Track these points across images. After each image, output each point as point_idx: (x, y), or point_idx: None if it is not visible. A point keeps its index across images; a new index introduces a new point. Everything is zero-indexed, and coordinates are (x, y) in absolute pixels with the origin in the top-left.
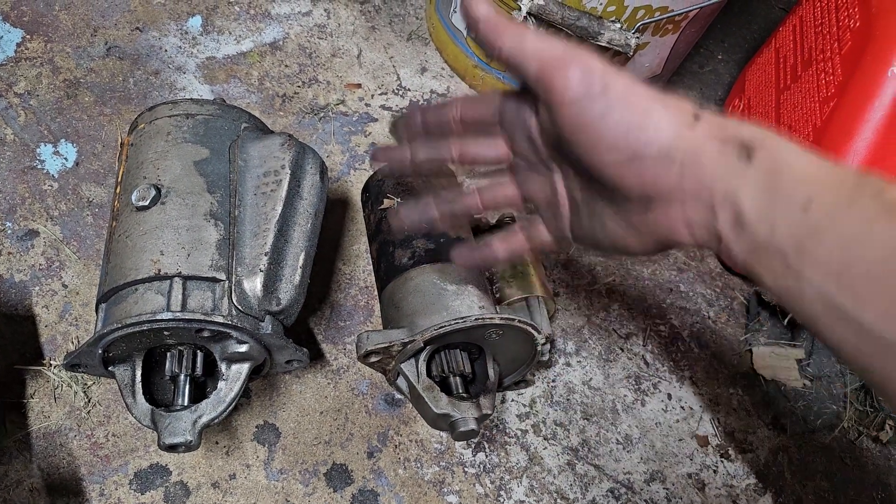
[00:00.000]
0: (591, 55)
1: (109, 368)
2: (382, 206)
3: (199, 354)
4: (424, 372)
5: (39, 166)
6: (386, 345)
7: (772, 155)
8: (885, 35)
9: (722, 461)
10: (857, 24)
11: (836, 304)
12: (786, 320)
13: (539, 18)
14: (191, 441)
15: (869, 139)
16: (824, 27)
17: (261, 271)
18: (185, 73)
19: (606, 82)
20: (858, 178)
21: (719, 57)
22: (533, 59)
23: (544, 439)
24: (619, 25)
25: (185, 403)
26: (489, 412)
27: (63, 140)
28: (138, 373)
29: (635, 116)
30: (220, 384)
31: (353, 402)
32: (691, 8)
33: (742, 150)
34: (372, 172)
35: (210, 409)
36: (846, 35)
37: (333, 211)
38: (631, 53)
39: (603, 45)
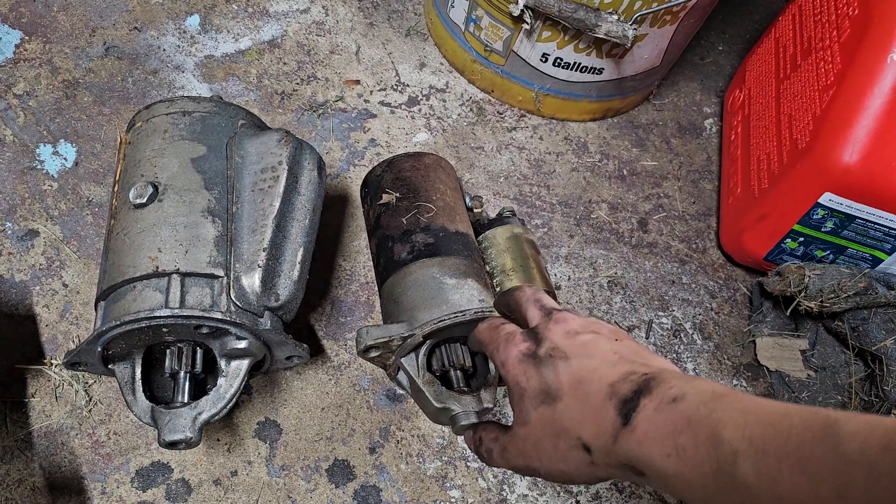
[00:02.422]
0: (502, 454)
1: (109, 366)
2: (381, 202)
3: (199, 351)
4: (425, 366)
5: (39, 166)
6: (386, 339)
7: (651, 468)
8: (884, 22)
9: None
10: (856, 12)
11: None
12: (789, 311)
13: (536, 11)
14: (191, 438)
15: (869, 127)
16: (823, 16)
17: (259, 267)
18: (183, 71)
19: (529, 465)
20: (712, 468)
21: (720, 48)
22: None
23: None
24: (616, 17)
25: (186, 400)
26: (490, 406)
27: (62, 140)
28: (138, 370)
29: (564, 478)
30: (220, 381)
31: (355, 398)
32: None
33: (635, 470)
34: (370, 168)
35: (210, 405)
36: (845, 23)
37: (333, 207)
38: (629, 45)
39: (600, 36)
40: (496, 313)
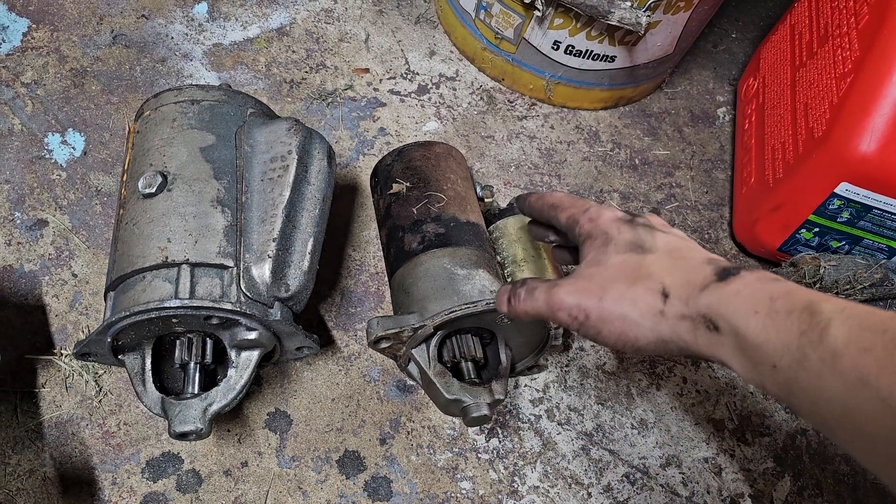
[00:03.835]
0: (565, 286)
1: (119, 357)
2: (392, 191)
3: (209, 342)
4: (436, 357)
5: (47, 156)
6: (396, 330)
7: (730, 324)
8: None
9: (739, 445)
10: None
11: (836, 440)
12: None
13: None
14: (201, 429)
15: (887, 115)
16: (841, 2)
17: (269, 257)
18: (191, 60)
19: (584, 310)
20: (801, 329)
21: (733, 35)
22: (538, 317)
23: (558, 424)
24: (629, 3)
25: (196, 391)
26: (502, 397)
27: (70, 129)
28: (148, 361)
29: (616, 326)
30: (230, 372)
31: (365, 389)
32: None
33: (709, 324)
34: (380, 157)
35: (220, 396)
36: (863, 9)
37: (343, 197)
38: (642, 32)
39: (613, 23)
40: None
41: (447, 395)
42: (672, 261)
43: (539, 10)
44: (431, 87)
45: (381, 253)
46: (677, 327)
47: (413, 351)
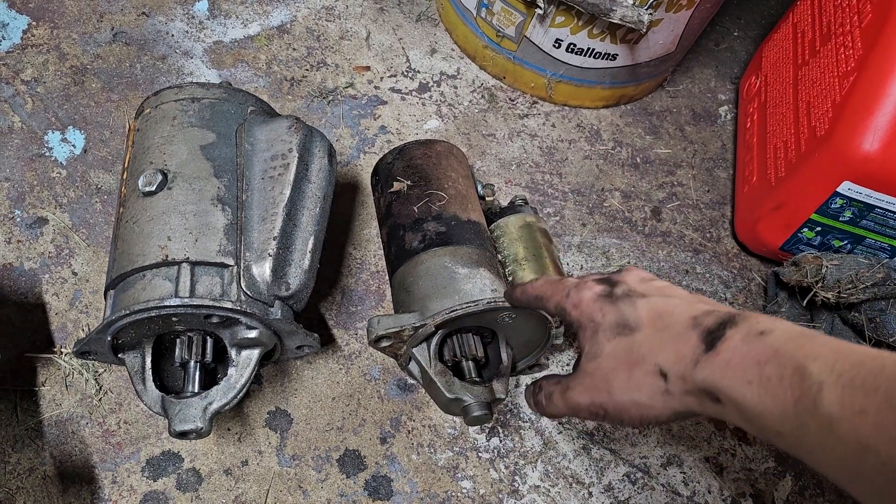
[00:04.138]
0: (576, 389)
1: (119, 355)
2: (392, 190)
3: (209, 341)
4: (436, 356)
5: (47, 154)
6: (397, 329)
7: (728, 397)
8: None
9: (740, 444)
10: None
11: (854, 496)
12: (805, 301)
13: None
14: (201, 428)
15: (890, 114)
16: (844, 0)
17: (269, 256)
18: (192, 57)
19: (601, 406)
20: (795, 397)
21: (735, 33)
22: (566, 415)
23: (559, 423)
24: (631, 1)
25: (196, 390)
26: (502, 396)
27: (71, 127)
28: (148, 360)
29: (633, 411)
30: (231, 370)
31: (366, 388)
32: None
33: (710, 397)
34: (381, 156)
35: (221, 395)
36: (866, 7)
37: (343, 195)
38: (644, 30)
39: (615, 21)
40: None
41: (448, 394)
42: (658, 334)
43: (541, 7)
44: (432, 86)
45: (381, 251)
46: (685, 401)
47: (414, 350)
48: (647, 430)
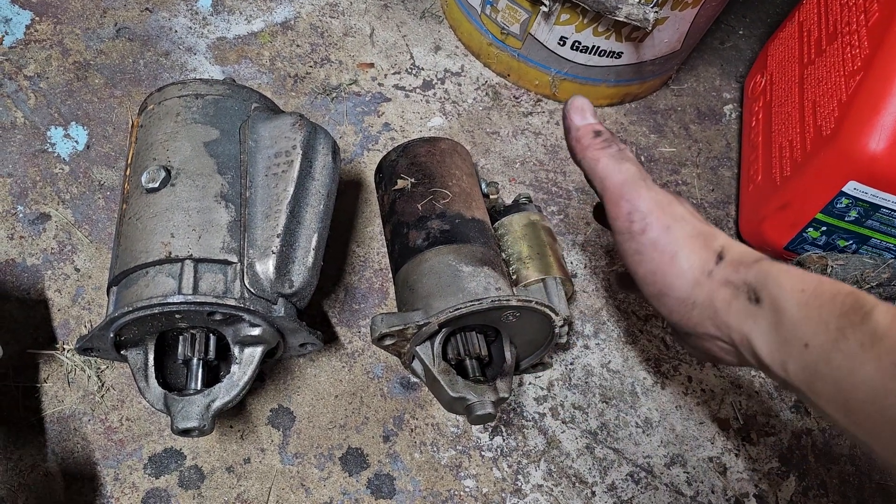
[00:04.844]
0: (648, 191)
1: (122, 352)
2: (396, 187)
3: (212, 338)
4: (440, 355)
5: (50, 149)
6: (401, 327)
7: (773, 297)
8: None
9: (744, 445)
10: None
11: (849, 432)
12: None
13: None
14: (204, 425)
15: None
16: None
17: (273, 253)
18: (195, 53)
19: (646, 224)
20: (843, 310)
21: (740, 32)
22: (599, 182)
23: (562, 423)
24: None
25: (199, 387)
26: (506, 395)
27: (74, 123)
28: (151, 357)
29: (662, 261)
30: (234, 368)
31: (369, 386)
32: None
33: (751, 294)
34: (385, 153)
35: (223, 393)
36: (873, 6)
37: (347, 192)
38: (649, 28)
39: (620, 19)
40: (512, 301)
41: (451, 393)
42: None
43: (546, 5)
44: (436, 83)
45: (385, 249)
46: (717, 293)
47: (417, 348)
48: (651, 429)
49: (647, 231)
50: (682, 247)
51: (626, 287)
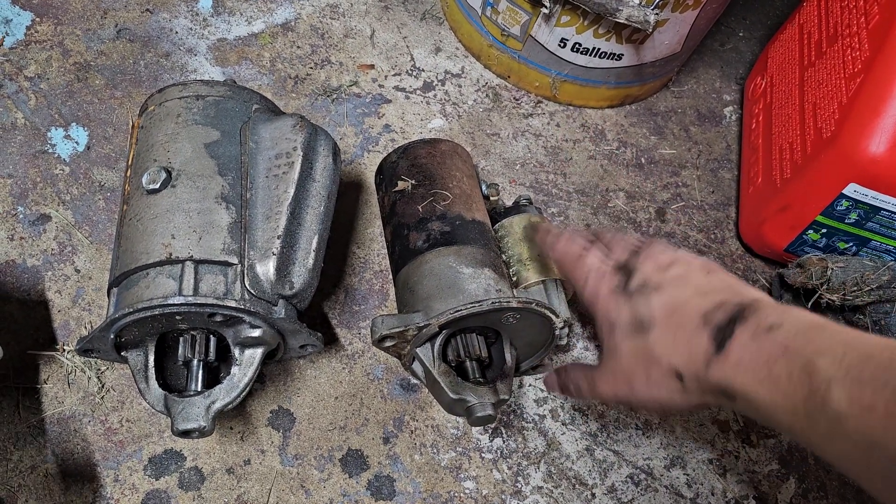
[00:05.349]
0: (629, 343)
1: (122, 353)
2: (397, 189)
3: (213, 339)
4: (440, 356)
5: (51, 150)
6: (401, 329)
7: (741, 394)
8: None
9: (744, 447)
10: None
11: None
12: (810, 303)
13: None
14: (204, 427)
15: None
16: (851, 1)
17: (273, 255)
18: (195, 55)
19: (627, 400)
20: (804, 394)
21: (741, 34)
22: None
23: (562, 424)
24: (637, 1)
25: (199, 389)
26: (506, 397)
27: (74, 124)
28: (151, 358)
29: (655, 405)
30: (234, 369)
31: (369, 387)
32: None
33: (725, 394)
34: (385, 155)
35: (223, 394)
36: (874, 9)
37: (347, 194)
38: (650, 30)
39: (621, 21)
40: (513, 303)
41: (451, 395)
42: (671, 333)
43: (546, 7)
44: (437, 84)
45: (385, 251)
46: (703, 397)
47: (417, 350)
48: (651, 431)
49: (630, 401)
50: (651, 390)
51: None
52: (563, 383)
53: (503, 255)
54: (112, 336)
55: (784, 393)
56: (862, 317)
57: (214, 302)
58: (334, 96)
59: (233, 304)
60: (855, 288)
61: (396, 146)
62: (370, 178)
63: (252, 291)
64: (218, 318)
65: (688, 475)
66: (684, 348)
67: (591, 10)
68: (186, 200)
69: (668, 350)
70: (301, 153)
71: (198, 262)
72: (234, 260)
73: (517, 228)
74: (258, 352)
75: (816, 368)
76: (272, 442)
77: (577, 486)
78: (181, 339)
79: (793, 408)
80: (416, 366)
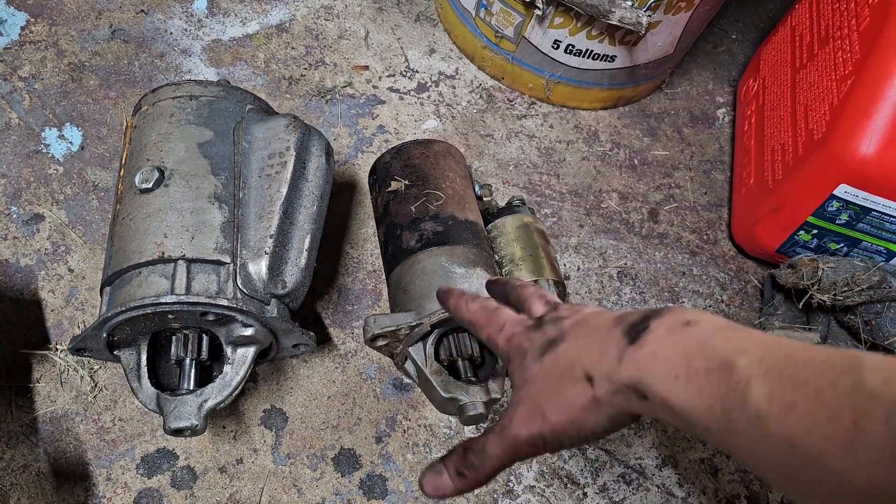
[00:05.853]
0: (535, 366)
1: (115, 352)
2: (390, 189)
3: (205, 338)
4: (432, 356)
5: (44, 150)
6: (393, 328)
7: (655, 393)
8: None
9: None
10: (876, 0)
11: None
12: (801, 304)
13: None
14: (196, 425)
15: (887, 118)
16: (842, 4)
17: (266, 254)
18: (190, 55)
19: (543, 437)
20: (721, 391)
21: (733, 36)
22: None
23: None
24: (630, 3)
25: (191, 388)
26: (498, 396)
27: (68, 124)
28: (143, 357)
29: (572, 433)
30: (226, 368)
31: (361, 387)
32: None
33: (637, 394)
34: (379, 155)
35: (216, 393)
36: (864, 11)
37: (341, 194)
38: (642, 32)
39: (614, 23)
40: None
41: (443, 394)
42: (583, 338)
43: (539, 8)
44: (431, 85)
45: (378, 251)
46: (616, 404)
47: (410, 349)
48: (643, 431)
49: (545, 438)
50: (564, 411)
51: None
52: (465, 462)
53: (496, 256)
54: (105, 335)
55: (701, 390)
56: (853, 317)
57: (206, 301)
58: (328, 97)
59: (225, 302)
60: (846, 288)
61: (390, 147)
62: (364, 178)
63: (244, 290)
64: (210, 317)
65: (679, 474)
66: (595, 348)
67: (584, 12)
68: (179, 200)
69: (579, 354)
70: (294, 153)
71: (190, 261)
72: (227, 259)
73: (510, 229)
74: (250, 351)
75: (735, 365)
76: (265, 441)
77: (568, 485)
78: (174, 337)
79: (710, 407)
80: (409, 365)
